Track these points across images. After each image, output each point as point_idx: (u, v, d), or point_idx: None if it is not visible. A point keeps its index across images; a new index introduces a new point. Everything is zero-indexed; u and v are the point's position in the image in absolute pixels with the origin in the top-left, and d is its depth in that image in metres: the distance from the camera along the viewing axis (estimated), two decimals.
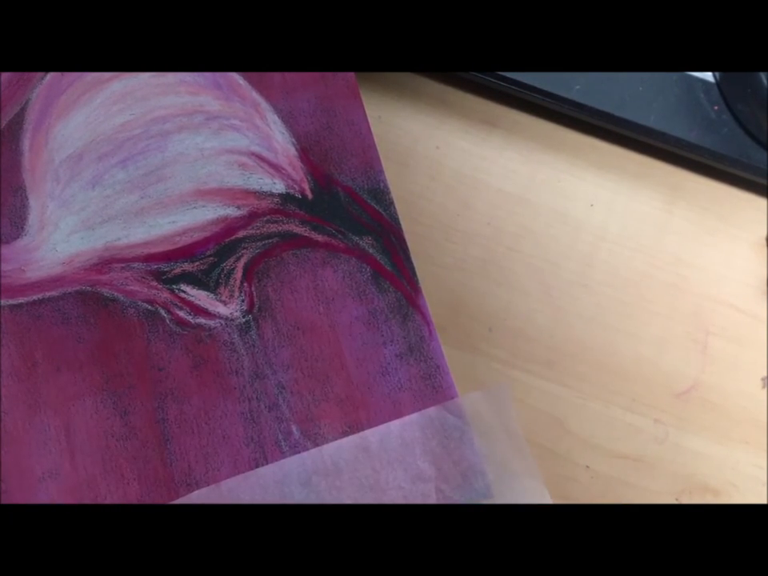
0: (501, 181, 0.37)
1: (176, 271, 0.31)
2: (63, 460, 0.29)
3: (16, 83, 0.32)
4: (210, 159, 0.32)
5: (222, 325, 0.31)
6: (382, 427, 0.30)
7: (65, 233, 0.31)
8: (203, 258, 0.32)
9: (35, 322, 0.30)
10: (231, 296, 0.31)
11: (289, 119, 0.33)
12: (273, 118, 0.33)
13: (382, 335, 0.31)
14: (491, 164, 0.37)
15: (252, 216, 0.32)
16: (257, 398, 0.30)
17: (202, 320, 0.31)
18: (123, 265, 0.31)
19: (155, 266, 0.31)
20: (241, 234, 0.32)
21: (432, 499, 0.28)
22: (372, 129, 0.34)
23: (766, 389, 0.36)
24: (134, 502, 0.29)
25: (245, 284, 0.31)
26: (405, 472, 0.29)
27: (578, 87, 0.36)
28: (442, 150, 0.37)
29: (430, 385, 0.31)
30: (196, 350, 0.31)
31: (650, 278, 0.36)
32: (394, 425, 0.30)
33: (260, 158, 0.33)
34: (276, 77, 0.33)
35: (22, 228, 0.31)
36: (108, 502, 0.29)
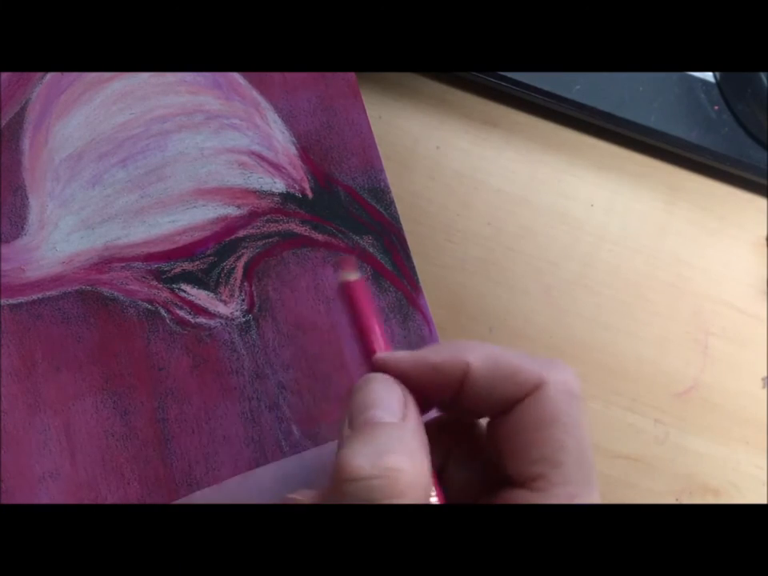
0: (501, 181, 0.37)
1: (176, 270, 0.31)
2: (63, 460, 0.29)
3: (16, 83, 0.31)
4: (210, 158, 0.32)
5: (222, 324, 0.31)
6: None
7: (64, 232, 0.31)
8: (203, 258, 0.31)
9: (35, 321, 0.30)
10: (231, 295, 0.31)
11: (289, 118, 0.33)
12: (273, 117, 0.33)
13: None
14: (491, 164, 0.37)
15: (252, 215, 0.32)
16: (257, 397, 0.30)
17: (202, 319, 0.31)
18: (123, 264, 0.31)
19: (155, 266, 0.31)
20: (241, 233, 0.32)
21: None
22: (372, 128, 0.33)
23: (766, 389, 0.36)
24: (135, 502, 0.29)
25: (245, 283, 0.31)
26: None
27: (578, 87, 0.36)
28: (442, 150, 0.37)
29: None
30: (196, 349, 0.31)
31: (650, 278, 0.36)
32: None
33: (260, 157, 0.33)
34: (276, 76, 0.33)
35: (22, 227, 0.31)
36: (108, 502, 0.29)
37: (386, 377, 0.23)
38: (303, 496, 0.23)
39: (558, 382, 0.23)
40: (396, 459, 0.21)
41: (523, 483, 0.22)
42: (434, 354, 0.23)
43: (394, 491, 0.20)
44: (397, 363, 0.24)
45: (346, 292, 0.25)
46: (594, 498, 0.22)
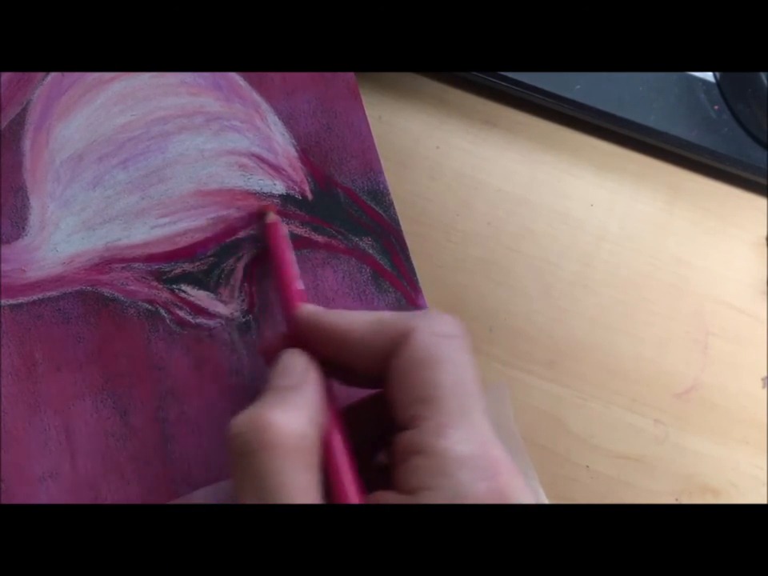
0: (501, 181, 0.37)
1: (176, 271, 0.31)
2: (63, 460, 0.29)
3: (17, 83, 0.32)
4: (211, 160, 0.32)
5: (222, 325, 0.31)
6: None
7: (65, 233, 0.31)
8: (203, 259, 0.32)
9: (35, 321, 0.30)
10: (231, 296, 0.31)
11: (289, 120, 0.33)
12: (273, 119, 0.33)
13: None
14: (491, 164, 0.37)
15: (252, 217, 0.32)
16: (257, 397, 0.30)
17: (202, 320, 0.31)
18: (124, 265, 0.31)
19: (156, 266, 0.31)
20: (241, 234, 0.32)
21: None
22: (372, 129, 0.34)
23: (766, 389, 0.36)
24: (135, 502, 0.29)
25: (245, 284, 0.31)
26: None
27: (578, 87, 0.36)
28: (442, 149, 0.37)
29: None
30: (196, 349, 0.31)
31: (650, 278, 0.36)
32: None
33: (260, 159, 0.33)
34: (276, 78, 0.33)
35: (23, 228, 0.31)
36: (108, 502, 0.29)
37: (295, 351, 0.26)
38: None
39: (424, 328, 0.24)
40: (268, 414, 0.23)
41: (406, 425, 0.23)
42: (325, 315, 0.26)
43: (263, 442, 0.22)
44: (302, 321, 0.27)
45: (267, 234, 0.30)
46: (475, 423, 0.23)
